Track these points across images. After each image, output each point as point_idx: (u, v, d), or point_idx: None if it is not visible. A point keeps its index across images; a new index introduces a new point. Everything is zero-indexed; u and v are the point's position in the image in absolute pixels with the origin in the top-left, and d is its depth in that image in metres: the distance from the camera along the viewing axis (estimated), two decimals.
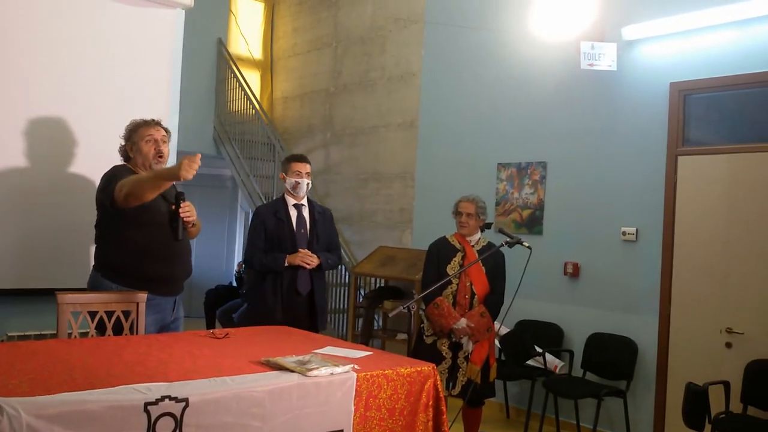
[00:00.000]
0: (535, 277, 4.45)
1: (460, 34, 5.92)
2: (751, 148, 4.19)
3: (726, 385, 3.93)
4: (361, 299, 6.22)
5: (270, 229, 3.97)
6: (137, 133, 3.28)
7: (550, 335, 4.98)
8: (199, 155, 2.88)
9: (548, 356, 4.78)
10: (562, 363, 4.84)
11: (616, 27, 4.75)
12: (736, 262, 4.19)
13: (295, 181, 4.00)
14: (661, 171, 4.55)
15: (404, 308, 3.24)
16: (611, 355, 4.64)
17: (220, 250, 9.40)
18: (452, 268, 3.95)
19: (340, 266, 4.31)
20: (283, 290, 3.91)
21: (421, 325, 4.07)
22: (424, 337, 4.01)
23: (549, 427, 4.81)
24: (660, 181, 4.55)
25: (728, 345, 4.17)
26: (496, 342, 4.50)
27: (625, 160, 4.75)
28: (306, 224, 4.03)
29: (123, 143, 3.34)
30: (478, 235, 4.09)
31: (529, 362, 4.83)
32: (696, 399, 3.72)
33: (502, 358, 4.87)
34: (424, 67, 6.32)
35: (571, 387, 4.60)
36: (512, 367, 4.84)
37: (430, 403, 2.59)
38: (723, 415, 3.84)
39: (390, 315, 4.09)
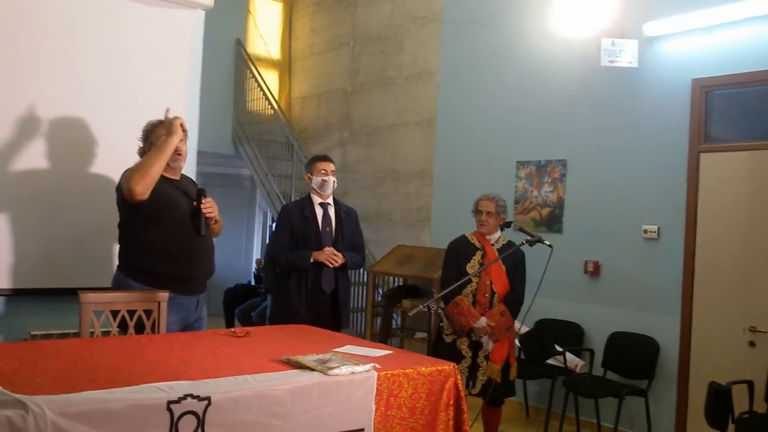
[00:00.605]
0: (555, 276, 4.41)
1: (478, 32, 5.89)
2: None
3: (750, 384, 3.88)
4: (379, 298, 6.22)
5: (296, 227, 4.00)
6: (154, 134, 3.31)
7: (570, 334, 4.95)
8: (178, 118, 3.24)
9: (568, 355, 4.74)
10: (583, 362, 4.81)
11: (637, 23, 4.70)
12: (759, 260, 4.13)
13: (322, 180, 4.03)
14: (683, 168, 4.49)
15: (424, 307, 3.24)
16: (632, 354, 4.60)
17: (239, 249, 9.47)
18: (472, 267, 3.94)
19: (360, 264, 4.32)
20: (307, 288, 3.94)
21: (441, 324, 4.06)
22: (444, 336, 4.00)
23: (569, 427, 4.78)
24: (682, 179, 4.50)
25: (752, 344, 4.12)
26: (516, 341, 4.47)
27: (646, 157, 4.71)
28: (331, 223, 4.06)
29: (141, 144, 3.36)
30: (498, 233, 4.07)
31: (549, 361, 4.80)
32: (719, 398, 3.67)
33: (522, 357, 4.85)
34: (442, 65, 6.30)
35: (592, 386, 4.57)
36: (532, 366, 4.81)
37: (451, 402, 2.57)
38: (747, 415, 3.78)
39: (410, 314, 4.08)
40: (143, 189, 3.04)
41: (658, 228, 4.61)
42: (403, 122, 6.71)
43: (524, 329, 4.72)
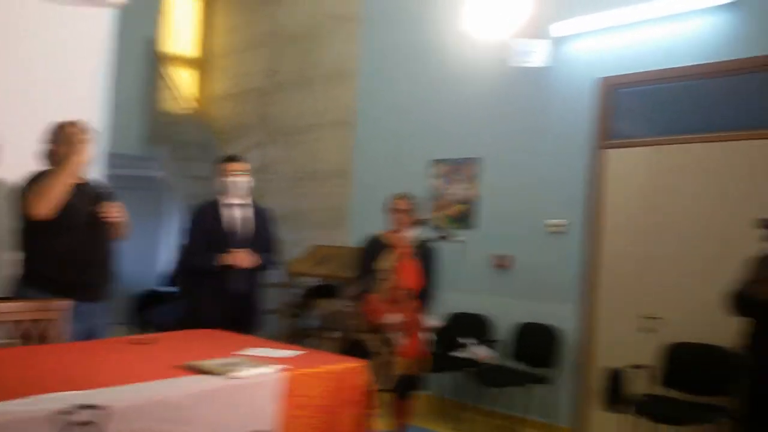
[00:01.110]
0: (468, 271, 4.53)
1: (396, 32, 5.96)
2: (676, 140, 4.34)
3: (647, 368, 4.10)
4: (295, 298, 6.19)
5: (207, 229, 3.94)
6: (62, 134, 3.20)
7: (480, 326, 5.07)
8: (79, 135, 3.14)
9: (478, 347, 4.85)
10: (494, 353, 4.94)
11: (546, 24, 4.87)
12: (658, 250, 4.35)
13: (231, 181, 3.97)
14: (589, 164, 4.69)
15: (338, 306, 3.26)
16: (538, 344, 4.77)
17: (149, 255, 9.14)
18: (384, 265, 3.99)
19: (276, 265, 4.29)
20: (219, 291, 3.88)
21: (353, 323, 4.10)
22: (356, 334, 4.04)
23: (480, 417, 4.90)
24: (588, 174, 4.69)
25: (648, 330, 4.35)
26: (429, 335, 4.56)
27: (555, 154, 4.88)
28: (244, 224, 4.01)
29: (49, 146, 3.25)
30: (411, 231, 4.13)
31: (460, 354, 4.90)
32: (616, 382, 3.89)
33: (433, 350, 4.93)
34: (360, 64, 6.33)
35: (499, 376, 4.71)
36: (442, 360, 4.90)
37: (360, 398, 2.62)
38: (644, 397, 4.01)
39: (324, 313, 4.10)
40: (46, 211, 3.00)
41: (566, 222, 4.80)
42: (322, 122, 6.71)
43: (436, 323, 4.81)
